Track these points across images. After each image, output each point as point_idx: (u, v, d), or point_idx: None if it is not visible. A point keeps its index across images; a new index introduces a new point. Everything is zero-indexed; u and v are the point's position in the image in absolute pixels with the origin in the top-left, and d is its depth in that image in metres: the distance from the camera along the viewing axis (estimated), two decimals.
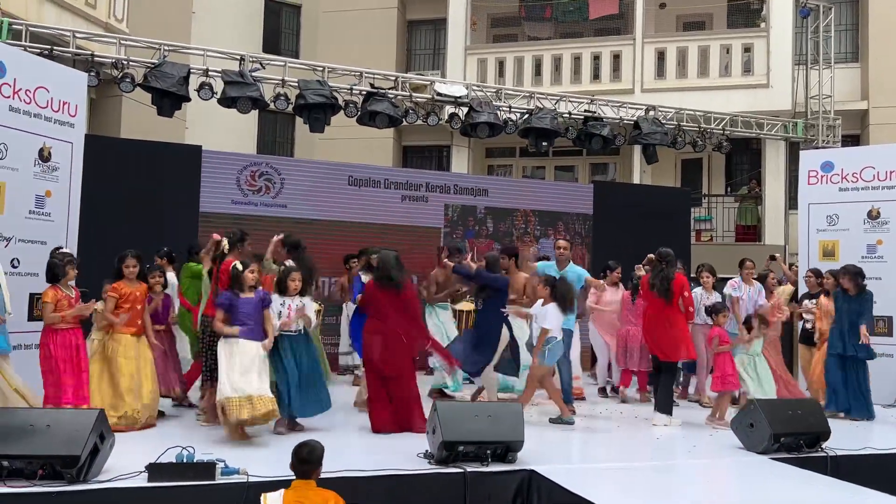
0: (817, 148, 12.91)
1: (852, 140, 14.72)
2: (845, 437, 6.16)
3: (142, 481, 4.30)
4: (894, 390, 8.44)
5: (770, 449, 5.59)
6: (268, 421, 5.63)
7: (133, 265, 6.10)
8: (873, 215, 9.13)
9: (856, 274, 7.61)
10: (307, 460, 3.78)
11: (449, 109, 11.63)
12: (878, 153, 9.64)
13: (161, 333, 6.61)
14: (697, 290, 8.36)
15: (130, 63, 9.56)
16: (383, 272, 6.30)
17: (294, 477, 3.86)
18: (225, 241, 6.41)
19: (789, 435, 5.64)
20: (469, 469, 4.81)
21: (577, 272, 7.68)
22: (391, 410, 6.17)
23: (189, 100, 9.88)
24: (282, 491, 3.70)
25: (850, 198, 9.30)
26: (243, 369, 5.52)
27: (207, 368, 6.10)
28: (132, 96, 10.54)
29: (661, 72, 15.30)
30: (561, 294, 6.70)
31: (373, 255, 6.91)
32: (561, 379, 7.29)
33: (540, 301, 6.81)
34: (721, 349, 6.98)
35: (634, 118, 12.26)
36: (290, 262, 6.68)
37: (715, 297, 8.20)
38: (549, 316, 6.63)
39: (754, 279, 8.60)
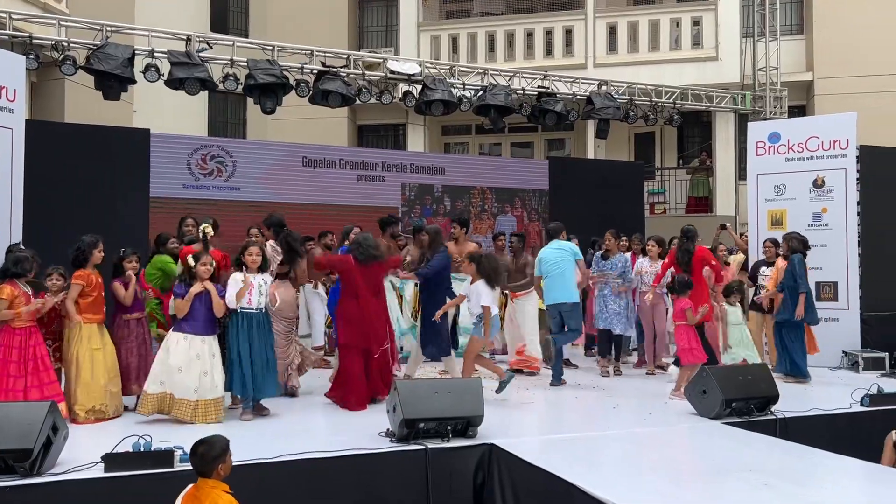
0: (765, 119, 13.18)
1: (798, 111, 15.07)
2: (793, 399, 6.38)
3: (98, 472, 4.24)
4: (840, 353, 8.74)
5: (722, 414, 5.75)
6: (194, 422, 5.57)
7: (102, 250, 5.89)
8: (818, 184, 9.37)
9: (793, 240, 7.84)
10: (203, 459, 3.49)
11: (403, 87, 11.56)
12: (822, 123, 9.87)
13: (135, 322, 6.14)
14: (644, 261, 8.58)
15: (71, 45, 9.27)
16: (367, 249, 6.33)
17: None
18: (209, 228, 6.30)
19: (740, 400, 5.81)
20: (430, 445, 4.85)
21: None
22: (368, 386, 6.28)
23: (135, 82, 9.63)
24: (188, 487, 3.55)
25: (797, 167, 9.52)
26: (181, 366, 5.52)
27: None
28: (75, 79, 10.23)
29: (612, 46, 15.41)
30: (487, 270, 6.69)
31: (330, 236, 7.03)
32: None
33: (467, 281, 6.86)
34: (685, 323, 7.00)
35: (587, 93, 12.34)
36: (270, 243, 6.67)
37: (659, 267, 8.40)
38: (483, 293, 6.62)
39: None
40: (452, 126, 17.36)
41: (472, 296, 6.69)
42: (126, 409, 6.01)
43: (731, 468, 4.45)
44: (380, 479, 4.72)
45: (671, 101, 13.07)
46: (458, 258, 7.64)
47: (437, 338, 7.01)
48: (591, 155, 15.34)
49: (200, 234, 6.43)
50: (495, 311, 6.72)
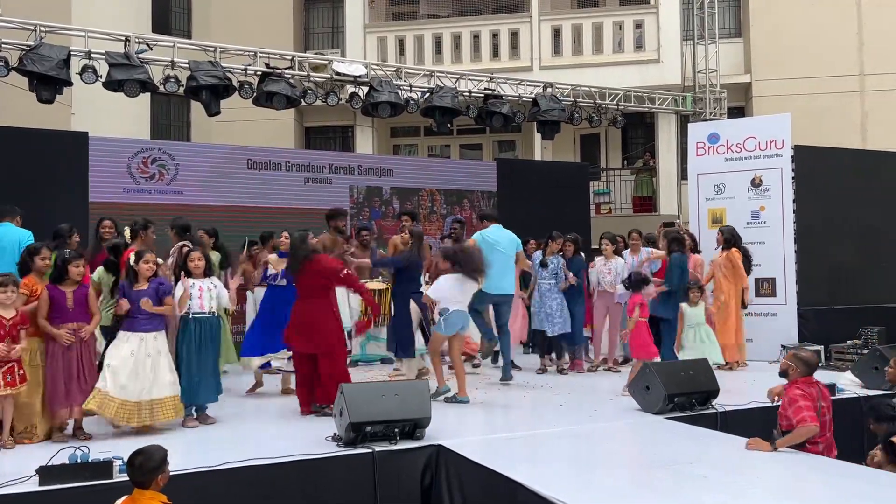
0: (705, 120, 13.51)
1: (738, 112, 15.48)
2: (733, 393, 6.55)
3: (33, 486, 4.11)
4: (778, 347, 9.00)
5: (665, 409, 5.87)
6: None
7: (48, 257, 5.54)
8: (756, 183, 9.65)
9: (672, 240, 8.05)
10: (141, 469, 3.42)
11: (349, 89, 11.49)
12: (759, 124, 10.18)
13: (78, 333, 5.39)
14: (599, 260, 8.69)
15: (3, 45, 8.95)
16: (292, 252, 6.31)
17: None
18: (127, 230, 6.20)
19: (682, 395, 5.94)
20: (377, 449, 4.84)
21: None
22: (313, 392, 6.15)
23: (71, 84, 9.35)
24: (122, 499, 3.44)
25: (735, 167, 9.80)
26: (132, 369, 5.38)
27: None
28: (9, 81, 9.85)
29: (557, 49, 15.61)
30: (460, 263, 6.67)
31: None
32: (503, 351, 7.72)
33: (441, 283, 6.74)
34: (639, 319, 7.05)
35: (533, 95, 12.46)
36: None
37: (614, 264, 8.50)
38: (438, 287, 6.68)
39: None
40: (401, 128, 17.34)
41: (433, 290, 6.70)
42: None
43: (672, 461, 4.55)
44: (326, 484, 4.68)
45: (615, 102, 13.29)
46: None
47: (402, 338, 7.31)
48: (538, 156, 15.50)
49: (129, 235, 6.28)
50: (456, 307, 6.61)
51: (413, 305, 7.46)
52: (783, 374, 5.15)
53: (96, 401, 5.27)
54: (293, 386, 6.76)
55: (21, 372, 5.09)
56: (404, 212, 9.10)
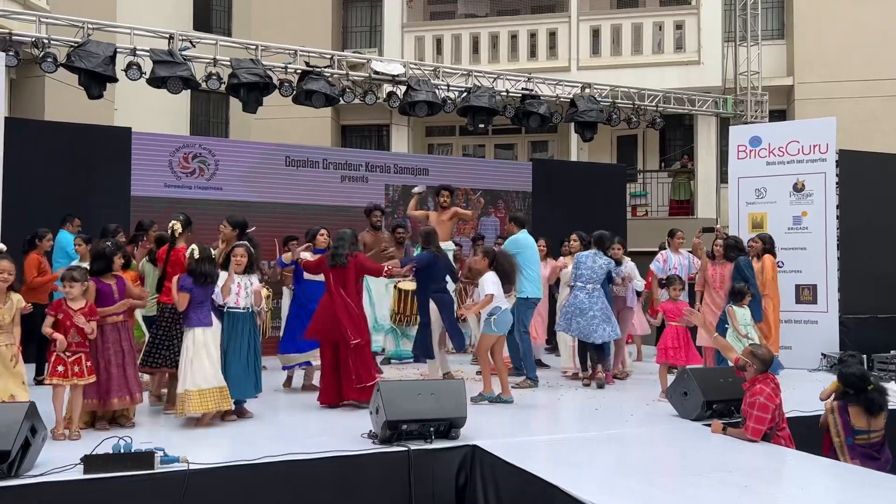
0: (746, 123, 13.29)
1: (779, 115, 15.20)
2: None
3: (77, 474, 4.20)
4: (819, 355, 8.84)
5: (703, 416, 5.79)
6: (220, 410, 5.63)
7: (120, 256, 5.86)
8: (798, 188, 9.48)
9: (726, 246, 7.86)
10: None
11: (387, 88, 11.54)
12: (802, 127, 9.98)
13: (111, 327, 5.45)
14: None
15: (52, 42, 9.16)
16: (333, 249, 6.45)
17: None
18: (178, 225, 6.31)
19: (721, 402, 5.85)
20: (413, 447, 4.85)
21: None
22: (334, 382, 6.26)
23: (116, 80, 9.54)
24: None
25: (777, 171, 9.63)
26: (203, 362, 5.54)
27: (160, 355, 5.95)
28: (56, 77, 10.10)
29: (596, 49, 15.48)
30: (501, 268, 6.66)
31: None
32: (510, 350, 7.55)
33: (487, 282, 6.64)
34: (671, 322, 6.95)
35: (571, 96, 12.38)
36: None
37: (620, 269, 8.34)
38: (487, 283, 6.54)
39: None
40: (436, 127, 17.36)
41: (479, 288, 6.61)
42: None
43: (710, 469, 4.49)
44: (362, 480, 4.71)
45: (653, 104, 13.15)
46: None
47: (424, 340, 7.24)
48: (574, 157, 15.40)
49: (168, 231, 6.40)
50: (506, 305, 6.60)
51: (433, 306, 7.34)
52: (741, 368, 5.41)
53: (193, 404, 5.42)
54: (316, 382, 6.84)
55: (89, 364, 5.18)
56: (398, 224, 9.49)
